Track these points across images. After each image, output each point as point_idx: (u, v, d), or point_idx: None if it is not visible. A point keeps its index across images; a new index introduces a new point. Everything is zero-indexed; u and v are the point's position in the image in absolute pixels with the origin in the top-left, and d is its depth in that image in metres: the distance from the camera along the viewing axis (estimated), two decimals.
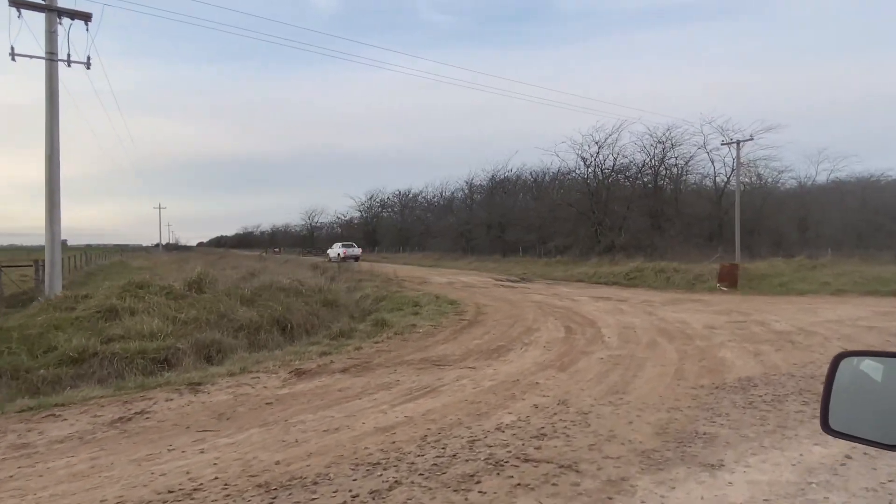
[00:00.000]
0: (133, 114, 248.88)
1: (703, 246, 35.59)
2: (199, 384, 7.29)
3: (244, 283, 15.75)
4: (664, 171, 41.84)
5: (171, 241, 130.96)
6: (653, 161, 40.98)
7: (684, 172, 41.89)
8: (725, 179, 40.53)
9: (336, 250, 50.41)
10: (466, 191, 58.99)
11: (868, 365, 1.47)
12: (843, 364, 1.46)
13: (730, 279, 20.02)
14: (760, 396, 6.55)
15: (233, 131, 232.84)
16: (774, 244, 38.03)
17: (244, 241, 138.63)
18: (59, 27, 16.58)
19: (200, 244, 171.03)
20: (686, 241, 37.46)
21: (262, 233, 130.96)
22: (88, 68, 18.08)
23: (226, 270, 24.36)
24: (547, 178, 49.03)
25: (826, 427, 1.45)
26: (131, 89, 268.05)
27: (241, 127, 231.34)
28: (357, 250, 50.83)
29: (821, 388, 1.51)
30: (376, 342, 10.39)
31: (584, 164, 41.83)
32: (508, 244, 50.04)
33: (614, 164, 41.20)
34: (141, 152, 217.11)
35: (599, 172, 41.69)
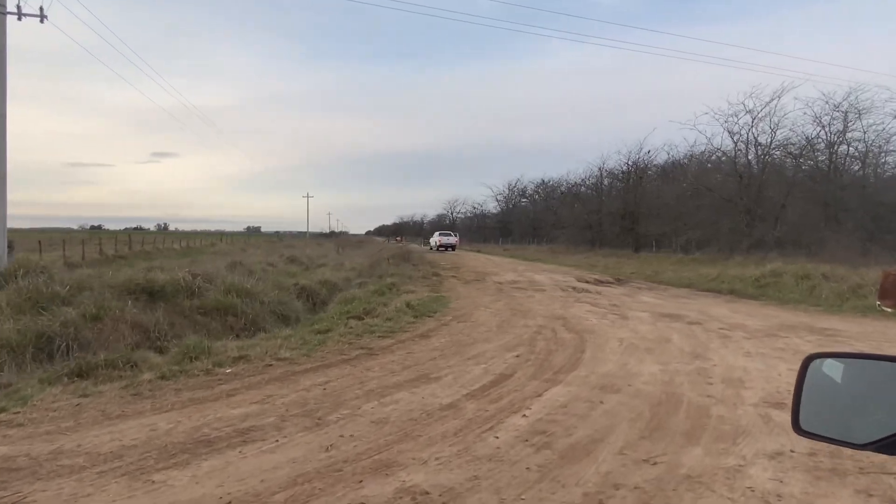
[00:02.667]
0: (313, 112, 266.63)
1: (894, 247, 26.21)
2: None
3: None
4: (846, 148, 31.98)
5: (336, 230, 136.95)
6: (828, 135, 31.44)
7: (879, 150, 31.62)
8: None
9: (434, 239, 51.41)
10: (597, 176, 51.77)
11: (836, 366, 1.47)
12: (813, 365, 1.44)
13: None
14: None
15: (397, 126, 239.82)
16: None
17: (399, 229, 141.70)
18: None
19: (368, 233, 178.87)
20: (870, 239, 28.14)
21: (415, 222, 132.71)
22: (42, 22, 15.75)
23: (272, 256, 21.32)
24: (684, 156, 40.62)
25: (797, 428, 1.42)
26: (309, 89, 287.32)
27: (404, 122, 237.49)
28: (453, 239, 51.26)
29: None
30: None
31: (732, 138, 33.39)
32: (640, 237, 42.57)
33: (772, 139, 32.32)
34: (319, 147, 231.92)
35: (752, 149, 33.04)
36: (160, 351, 7.22)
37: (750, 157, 33.39)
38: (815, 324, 11.21)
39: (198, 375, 6.31)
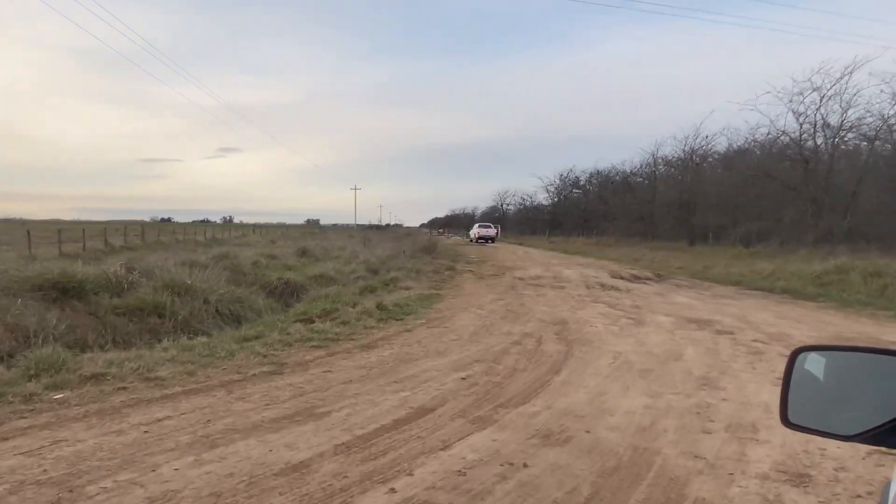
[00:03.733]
0: (371, 106, 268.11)
1: None
2: None
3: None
4: None
5: (387, 223, 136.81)
6: None
7: None
8: None
9: (474, 231, 50.58)
10: (650, 164, 48.51)
11: (822, 359, 1.46)
12: (801, 359, 1.43)
13: None
14: None
15: (453, 119, 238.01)
16: None
17: (450, 222, 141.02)
18: None
19: (422, 225, 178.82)
20: None
21: (466, 215, 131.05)
22: None
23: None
24: (744, 141, 37.20)
25: (785, 421, 1.40)
26: (368, 84, 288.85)
27: (460, 115, 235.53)
28: (492, 231, 49.80)
29: None
30: None
31: (797, 119, 30.08)
32: (696, 229, 39.50)
33: (842, 120, 28.87)
34: (376, 141, 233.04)
35: (820, 131, 29.67)
36: (8, 365, 5.77)
37: (817, 141, 30.02)
38: (881, 335, 8.87)
39: (11, 402, 4.80)
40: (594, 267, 22.98)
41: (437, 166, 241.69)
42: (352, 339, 7.65)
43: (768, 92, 36.80)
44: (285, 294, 12.59)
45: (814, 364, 1.44)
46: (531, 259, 27.34)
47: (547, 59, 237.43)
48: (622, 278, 18.56)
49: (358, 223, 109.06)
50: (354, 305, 9.82)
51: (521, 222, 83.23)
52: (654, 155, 47.07)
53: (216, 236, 41.61)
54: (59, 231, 24.44)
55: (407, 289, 13.44)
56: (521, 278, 17.56)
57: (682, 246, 37.67)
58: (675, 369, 6.43)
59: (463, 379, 5.85)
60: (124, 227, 42.96)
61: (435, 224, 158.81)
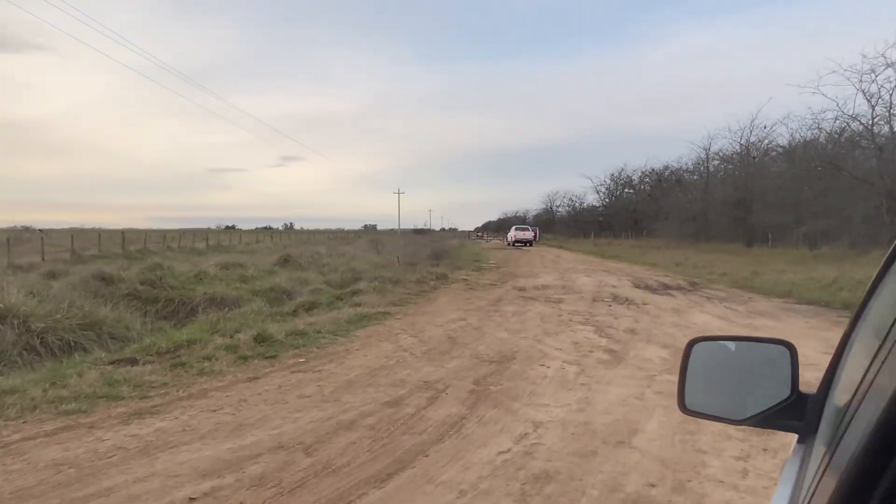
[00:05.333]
0: (427, 111, 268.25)
1: None
2: None
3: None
4: None
5: (428, 227, 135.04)
6: None
7: None
8: None
9: (511, 234, 48.62)
10: (702, 159, 44.24)
11: (716, 348, 1.52)
12: (696, 348, 1.48)
13: None
14: None
15: (507, 122, 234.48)
16: None
17: (502, 224, 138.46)
18: None
19: (476, 229, 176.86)
20: None
21: (518, 217, 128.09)
22: None
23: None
24: (807, 128, 32.79)
25: (683, 407, 1.45)
26: (424, 90, 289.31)
27: (514, 118, 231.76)
28: (528, 234, 47.15)
29: None
30: None
31: (869, 101, 25.87)
32: (753, 229, 35.50)
33: None
34: (432, 146, 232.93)
35: None
36: None
37: (893, 126, 25.76)
38: None
39: None
40: (621, 273, 19.89)
41: (492, 170, 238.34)
42: (145, 398, 5.20)
43: (834, 71, 32.09)
44: (181, 313, 10.36)
45: (708, 353, 1.50)
46: (556, 264, 24.40)
47: (600, 58, 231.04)
48: (646, 287, 15.53)
49: (403, 227, 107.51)
50: (233, 335, 7.39)
51: (569, 224, 79.56)
52: (706, 149, 42.90)
53: (221, 243, 40.03)
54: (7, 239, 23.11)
55: (356, 305, 10.99)
56: (521, 288, 14.79)
57: (738, 248, 33.81)
58: (606, 475, 3.67)
59: (192, 501, 3.28)
60: (146, 234, 42.29)
61: (488, 227, 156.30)
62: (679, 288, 15.68)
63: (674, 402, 4.36)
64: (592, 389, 5.57)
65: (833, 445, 0.85)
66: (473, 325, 9.14)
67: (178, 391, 5.40)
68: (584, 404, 5.09)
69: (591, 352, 7.29)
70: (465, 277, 16.78)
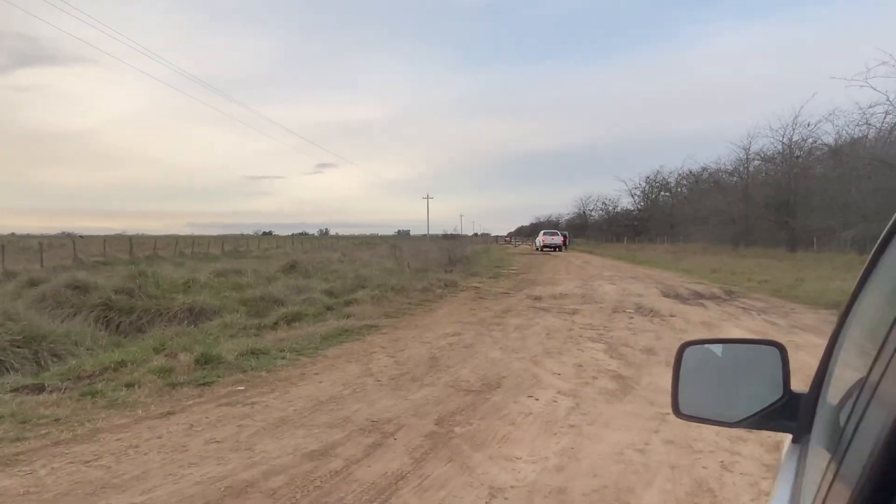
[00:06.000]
0: (460, 116, 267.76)
1: None
2: None
3: None
4: None
5: (478, 232, 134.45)
6: None
7: None
8: None
9: (539, 239, 47.10)
10: (742, 160, 41.95)
11: (708, 351, 1.51)
12: (688, 352, 1.46)
13: None
14: None
15: (540, 126, 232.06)
16: None
17: (535, 229, 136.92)
18: None
19: (509, 234, 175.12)
20: None
21: (551, 222, 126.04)
22: None
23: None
24: (855, 125, 30.50)
25: (677, 412, 1.43)
26: (457, 95, 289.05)
27: (547, 122, 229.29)
28: (557, 239, 45.85)
29: None
30: None
31: None
32: (798, 233, 33.43)
33: None
34: (465, 151, 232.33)
35: None
36: None
37: None
38: None
39: None
40: (650, 280, 18.42)
41: (526, 174, 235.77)
42: (18, 441, 4.20)
43: (884, 63, 29.96)
44: (156, 325, 9.43)
45: (700, 356, 1.48)
46: (582, 270, 22.98)
47: (635, 59, 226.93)
48: (675, 297, 14.11)
49: (433, 232, 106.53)
50: (177, 355, 6.36)
51: (603, 229, 77.49)
52: (746, 149, 40.72)
53: (238, 248, 39.33)
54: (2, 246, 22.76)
55: (345, 317, 9.96)
56: (536, 297, 13.54)
57: (781, 253, 31.86)
58: None
59: None
60: (175, 240, 42.16)
61: (521, 232, 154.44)
62: (713, 297, 14.21)
63: (686, 460, 3.13)
64: (583, 434, 4.36)
65: (840, 453, 0.82)
66: (466, 342, 7.96)
67: (64, 431, 4.38)
68: (567, 459, 3.88)
69: (594, 378, 6.06)
70: (476, 285, 15.59)
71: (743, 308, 12.22)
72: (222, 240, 49.02)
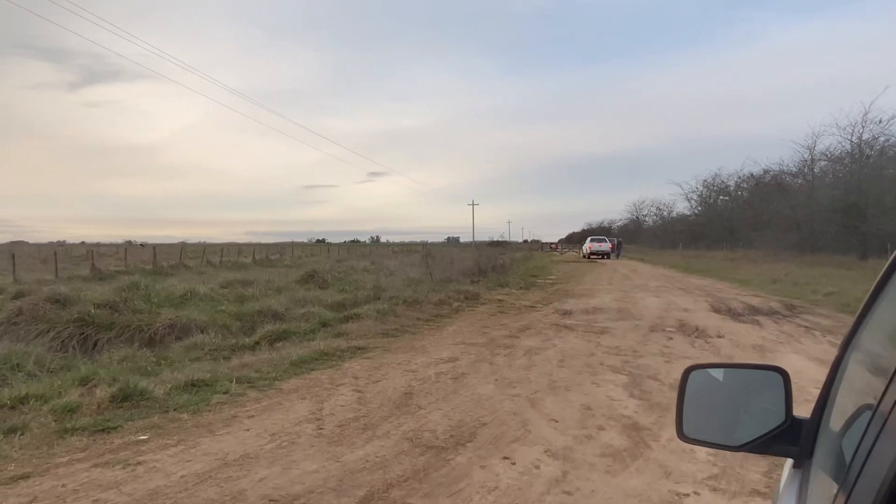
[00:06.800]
0: (508, 123, 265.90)
1: None
2: None
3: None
4: None
5: (526, 239, 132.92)
6: None
7: None
8: None
9: (586, 246, 44.98)
10: (806, 160, 38.97)
11: (712, 375, 1.49)
12: (692, 376, 1.45)
13: None
14: None
15: (591, 131, 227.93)
16: None
17: (586, 235, 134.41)
18: None
19: (560, 240, 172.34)
20: None
21: (602, 228, 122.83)
22: None
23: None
24: None
25: (681, 434, 1.42)
26: (503, 102, 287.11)
27: (598, 126, 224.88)
28: (605, 246, 43.14)
29: None
30: None
31: None
32: (868, 239, 30.65)
33: None
34: (513, 157, 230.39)
35: None
36: None
37: None
38: None
39: None
40: (701, 292, 16.63)
41: (578, 180, 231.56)
42: None
43: None
44: (136, 342, 8.54)
45: (704, 381, 1.46)
46: (626, 280, 21.24)
47: (691, 60, 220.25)
48: (727, 312, 12.42)
49: (479, 239, 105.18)
50: (113, 383, 5.32)
51: (657, 235, 74.50)
52: (811, 149, 37.83)
53: (269, 257, 38.65)
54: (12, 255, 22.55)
55: (338, 335, 8.91)
56: (565, 312, 12.11)
57: (850, 261, 29.17)
58: None
59: None
60: (221, 248, 42.27)
61: (571, 239, 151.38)
62: (771, 313, 12.45)
63: None
64: None
65: (848, 483, 0.81)
66: (458, 371, 6.67)
67: None
68: None
69: (600, 429, 4.68)
70: (501, 297, 14.21)
71: (805, 327, 10.49)
72: (269, 248, 49.01)
